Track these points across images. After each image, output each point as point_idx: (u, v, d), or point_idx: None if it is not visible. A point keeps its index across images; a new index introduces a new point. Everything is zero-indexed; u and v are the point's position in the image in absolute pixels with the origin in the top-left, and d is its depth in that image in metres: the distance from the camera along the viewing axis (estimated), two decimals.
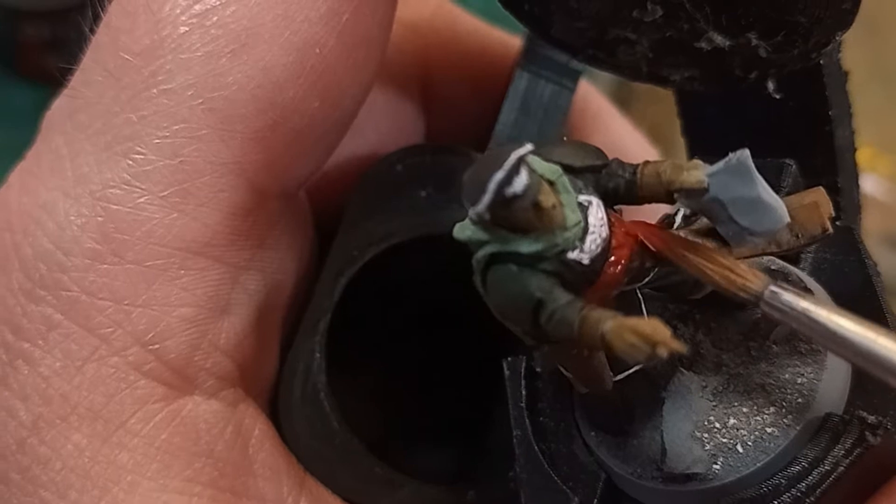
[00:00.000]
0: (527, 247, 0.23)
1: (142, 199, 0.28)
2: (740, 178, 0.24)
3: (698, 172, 0.24)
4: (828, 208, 0.25)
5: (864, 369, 0.23)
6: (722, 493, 0.25)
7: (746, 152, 0.24)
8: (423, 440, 0.36)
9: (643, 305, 0.26)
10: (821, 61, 0.29)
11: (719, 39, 0.27)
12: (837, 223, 0.27)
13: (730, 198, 0.24)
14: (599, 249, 0.24)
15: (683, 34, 0.27)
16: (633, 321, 0.22)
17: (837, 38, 0.27)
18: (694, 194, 0.24)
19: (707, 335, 0.27)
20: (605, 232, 0.24)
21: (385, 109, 0.37)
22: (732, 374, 0.26)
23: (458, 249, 0.30)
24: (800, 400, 0.26)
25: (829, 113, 0.29)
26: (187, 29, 0.27)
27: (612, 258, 0.24)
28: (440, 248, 0.32)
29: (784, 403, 0.26)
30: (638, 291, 0.26)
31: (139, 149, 0.28)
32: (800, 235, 0.25)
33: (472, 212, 0.23)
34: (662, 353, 0.21)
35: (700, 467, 0.26)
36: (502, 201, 0.22)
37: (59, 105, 0.29)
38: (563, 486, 0.27)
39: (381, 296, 0.35)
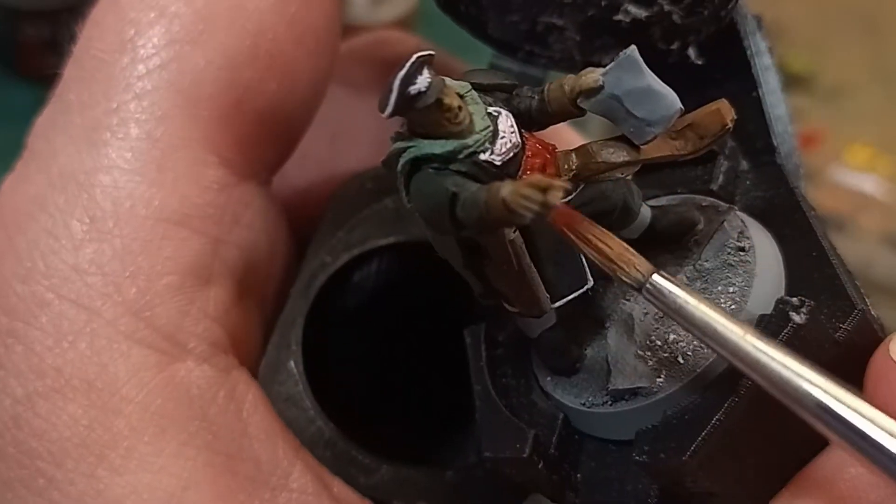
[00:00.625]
0: (440, 148, 0.25)
1: (122, 179, 0.29)
2: (630, 72, 0.26)
3: (594, 74, 0.26)
4: (729, 112, 0.26)
5: (732, 363, 0.24)
6: (667, 405, 0.26)
7: (633, 48, 0.26)
8: (401, 425, 0.37)
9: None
10: (734, 20, 0.30)
11: (635, 10, 0.29)
12: (767, 164, 0.30)
13: (623, 91, 0.26)
14: (511, 154, 0.26)
15: (603, 10, 0.29)
16: (521, 181, 0.24)
17: None
18: (593, 94, 0.26)
19: None
20: (515, 138, 0.26)
21: (367, 125, 0.39)
22: None
23: (425, 254, 0.32)
24: (732, 307, 0.27)
25: (753, 72, 0.31)
26: (150, 23, 0.30)
27: (528, 165, 0.26)
28: (408, 253, 0.34)
29: None
30: None
31: (117, 134, 0.29)
32: (703, 136, 0.27)
33: (384, 116, 0.25)
34: (553, 196, 0.23)
35: (644, 381, 0.27)
36: (407, 99, 0.24)
37: (43, 115, 0.31)
38: (519, 423, 0.28)
39: (355, 298, 0.36)
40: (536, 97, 0.27)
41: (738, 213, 0.28)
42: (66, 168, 0.29)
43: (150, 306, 0.29)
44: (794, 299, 0.26)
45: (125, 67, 0.30)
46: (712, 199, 0.29)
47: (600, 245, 0.25)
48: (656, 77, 0.25)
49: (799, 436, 0.25)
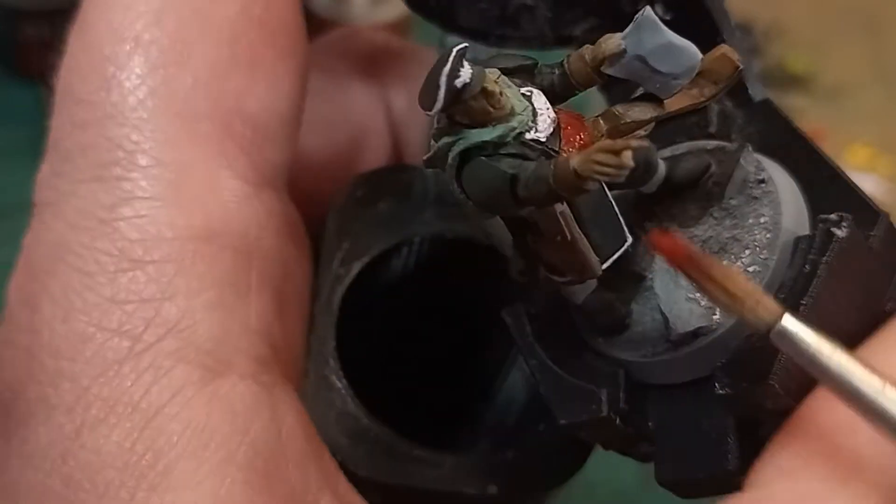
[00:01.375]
0: (488, 134, 0.26)
1: (142, 207, 0.29)
2: (650, 31, 0.27)
3: (614, 40, 0.27)
4: (734, 54, 0.28)
5: (867, 419, 0.25)
6: (730, 340, 0.27)
7: (648, 8, 0.27)
8: (442, 417, 0.38)
9: (610, 197, 0.28)
10: None
11: None
12: (751, 100, 0.31)
13: (646, 50, 0.27)
14: (552, 129, 0.27)
15: None
16: (591, 147, 0.25)
17: None
18: (616, 59, 0.27)
19: (672, 220, 0.30)
20: (551, 113, 0.27)
21: (352, 114, 0.40)
22: (705, 240, 0.29)
23: (427, 251, 0.34)
24: (768, 235, 0.28)
25: (716, 23, 0.32)
26: (128, 55, 0.30)
27: (569, 138, 0.27)
28: (410, 251, 0.36)
29: (756, 243, 0.28)
30: (604, 186, 0.28)
31: (126, 167, 0.30)
32: (717, 81, 0.28)
33: (432, 113, 0.25)
34: (628, 158, 0.24)
35: (703, 321, 0.28)
36: (455, 93, 0.25)
37: (42, 169, 0.31)
38: (588, 386, 0.29)
39: (374, 302, 0.37)
40: (557, 71, 0.27)
41: (751, 150, 0.29)
42: (84, 208, 0.30)
43: (190, 324, 0.29)
44: (832, 216, 0.27)
45: (116, 103, 0.30)
46: (716, 142, 0.30)
47: (725, 283, 0.26)
48: (673, 32, 0.26)
49: (853, 330, 0.27)
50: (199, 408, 0.28)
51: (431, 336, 0.40)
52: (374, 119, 0.40)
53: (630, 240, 0.28)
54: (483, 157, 0.26)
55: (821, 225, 0.27)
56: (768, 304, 0.25)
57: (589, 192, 0.26)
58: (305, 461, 0.30)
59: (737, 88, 0.31)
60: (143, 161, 0.30)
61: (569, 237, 0.27)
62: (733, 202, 0.29)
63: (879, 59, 1.08)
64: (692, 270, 0.26)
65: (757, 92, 0.31)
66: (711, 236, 0.29)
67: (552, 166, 0.25)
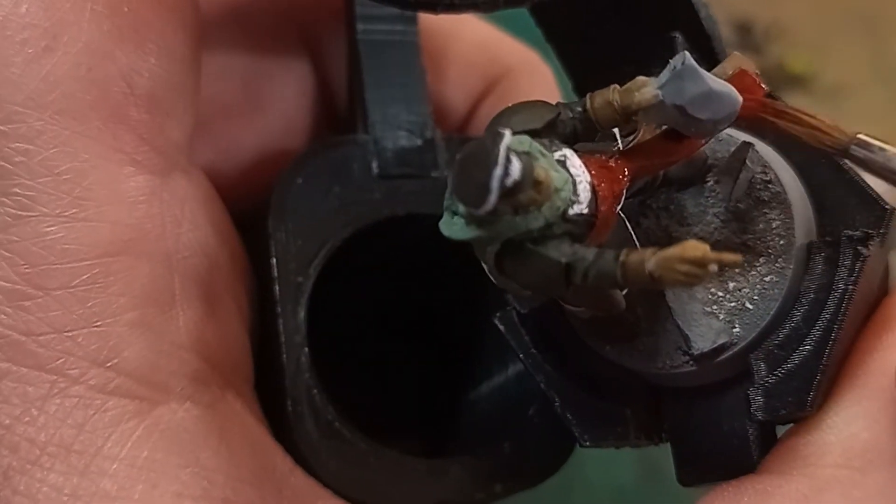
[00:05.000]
0: (535, 222, 0.24)
1: (42, 228, 0.27)
2: (689, 80, 0.25)
3: (649, 89, 0.25)
4: (752, 66, 0.27)
5: None
6: (750, 351, 0.27)
7: (687, 54, 0.25)
8: (409, 423, 0.38)
9: (627, 222, 0.28)
10: None
11: None
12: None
13: (686, 100, 0.25)
14: (591, 194, 0.25)
15: None
16: (672, 251, 0.23)
17: None
18: (652, 109, 0.25)
19: (670, 218, 0.29)
20: (587, 177, 0.25)
21: (279, 72, 0.36)
22: (712, 244, 0.27)
23: (387, 234, 0.32)
24: (781, 242, 0.28)
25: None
26: (12, 51, 0.27)
27: (600, 195, 0.25)
28: (369, 240, 0.34)
29: (770, 250, 0.28)
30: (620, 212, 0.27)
31: (16, 181, 0.27)
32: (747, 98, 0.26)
33: (479, 211, 0.23)
34: (714, 269, 0.22)
35: (723, 337, 0.27)
36: (507, 193, 0.23)
37: None
38: (611, 405, 0.29)
39: (341, 302, 0.36)
40: (579, 117, 0.26)
41: (755, 148, 0.29)
42: None
43: (116, 352, 0.27)
44: (857, 233, 0.27)
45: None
46: (728, 132, 0.30)
47: (803, 117, 0.26)
48: (712, 76, 0.25)
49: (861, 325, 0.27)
50: (141, 444, 0.26)
51: (405, 329, 0.38)
52: (303, 83, 0.37)
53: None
54: (528, 244, 0.24)
55: (844, 240, 0.27)
56: (842, 127, 0.26)
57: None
58: (258, 477, 0.28)
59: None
60: (34, 172, 0.27)
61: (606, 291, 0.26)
62: (741, 206, 0.28)
63: (879, 59, 1.08)
64: (773, 114, 0.26)
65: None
66: (719, 239, 0.28)
67: (620, 263, 0.24)
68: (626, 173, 0.26)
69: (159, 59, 0.28)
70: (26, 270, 0.26)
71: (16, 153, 0.27)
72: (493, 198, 0.23)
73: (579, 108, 0.26)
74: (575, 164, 0.25)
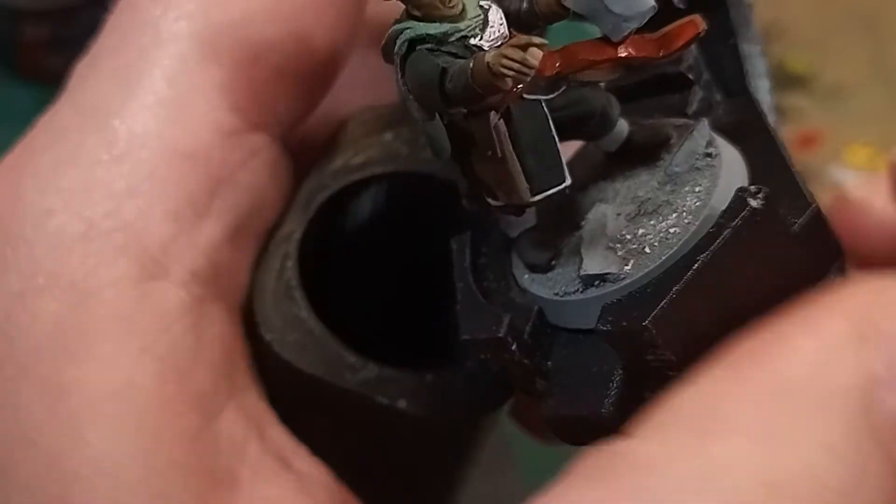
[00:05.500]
0: (434, 29, 0.28)
1: (140, 114, 0.32)
2: None
3: None
4: (701, 24, 0.29)
5: None
6: (634, 290, 0.29)
7: None
8: (391, 336, 0.39)
9: (554, 132, 0.30)
10: None
11: None
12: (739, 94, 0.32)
13: None
14: (499, 43, 0.28)
15: None
16: (506, 44, 0.27)
17: None
18: None
19: (624, 181, 0.31)
20: (503, 30, 0.28)
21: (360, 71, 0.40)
22: (643, 201, 0.30)
23: (421, 184, 0.36)
24: (697, 203, 0.29)
25: (731, 22, 0.32)
26: None
27: None
28: (405, 183, 0.37)
29: (684, 208, 0.29)
30: (549, 120, 0.29)
31: (141, 76, 0.32)
32: (677, 42, 0.29)
33: None
34: (533, 53, 0.26)
35: (613, 267, 0.29)
36: None
37: (84, 59, 0.34)
38: (495, 309, 0.31)
39: (352, 220, 0.39)
40: (526, 3, 0.29)
41: (707, 125, 0.31)
42: (93, 101, 0.33)
43: (143, 227, 0.31)
44: (752, 187, 0.28)
45: (157, 17, 0.33)
46: (684, 120, 0.32)
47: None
48: None
49: (758, 312, 0.27)
50: (129, 300, 0.31)
51: (402, 264, 0.41)
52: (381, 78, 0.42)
53: (569, 181, 0.30)
54: (425, 50, 0.28)
55: (739, 194, 0.28)
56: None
57: (528, 117, 0.28)
58: (218, 371, 0.32)
59: (732, 80, 0.32)
60: (157, 74, 0.32)
61: (499, 154, 0.29)
62: (677, 169, 0.30)
63: (879, 59, 1.08)
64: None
65: (762, 89, 0.32)
66: (650, 198, 0.30)
67: (472, 61, 0.27)
68: (556, 65, 0.28)
69: (298, 47, 0.33)
70: (112, 140, 0.32)
71: (152, 53, 0.32)
72: None
73: None
74: (495, 15, 0.28)
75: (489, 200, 0.30)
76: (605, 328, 0.28)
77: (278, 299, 0.35)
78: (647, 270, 0.29)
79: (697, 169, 0.30)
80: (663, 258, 0.29)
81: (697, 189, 0.30)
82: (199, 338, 0.32)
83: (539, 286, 0.31)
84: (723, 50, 0.32)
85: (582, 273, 0.30)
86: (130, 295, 0.31)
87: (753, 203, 0.28)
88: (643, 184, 0.31)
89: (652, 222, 0.30)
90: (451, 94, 0.27)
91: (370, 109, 0.38)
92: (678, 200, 0.30)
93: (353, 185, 0.36)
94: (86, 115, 0.32)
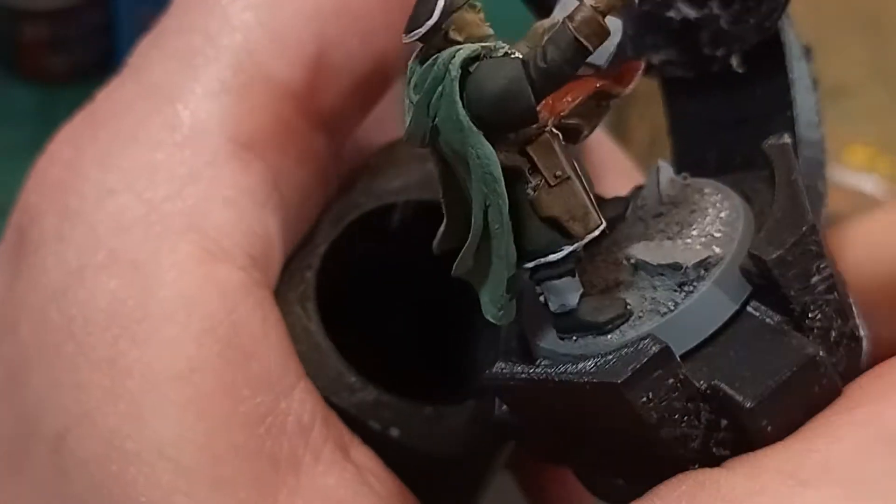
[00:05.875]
0: (486, 42, 0.27)
1: (205, 99, 0.32)
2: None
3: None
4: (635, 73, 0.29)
5: None
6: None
7: None
8: (398, 364, 0.39)
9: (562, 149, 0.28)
10: (780, 37, 0.32)
11: (686, 9, 0.31)
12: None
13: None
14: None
15: (657, 6, 0.31)
16: None
17: (785, 3, 0.31)
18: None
19: (630, 242, 0.30)
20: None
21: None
22: (661, 230, 0.30)
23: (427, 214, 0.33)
24: (717, 194, 0.30)
25: (791, 96, 0.33)
26: None
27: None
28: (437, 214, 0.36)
29: (714, 200, 0.30)
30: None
31: (208, 60, 0.33)
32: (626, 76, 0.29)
33: (426, 28, 0.26)
34: None
35: (706, 252, 0.28)
36: (449, 4, 0.26)
37: (145, 38, 0.34)
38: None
39: (377, 242, 0.38)
40: None
41: (667, 163, 0.31)
42: (158, 81, 0.33)
43: (204, 212, 0.31)
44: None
45: (226, 5, 0.33)
46: (693, 179, 0.32)
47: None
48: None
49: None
50: (192, 281, 0.30)
51: (419, 293, 0.40)
52: None
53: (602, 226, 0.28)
54: (485, 56, 0.26)
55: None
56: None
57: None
58: (286, 351, 0.32)
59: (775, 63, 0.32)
60: (224, 59, 0.32)
61: (566, 173, 0.27)
62: (671, 194, 0.30)
63: (879, 59, 1.08)
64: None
65: (802, 73, 0.33)
66: (663, 230, 0.30)
67: (570, 19, 0.26)
68: (570, 98, 0.28)
69: (361, 47, 0.34)
70: (175, 123, 0.32)
71: (220, 39, 0.33)
72: (439, 7, 0.26)
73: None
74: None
75: (545, 259, 0.28)
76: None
77: (291, 308, 0.35)
78: (737, 242, 0.28)
79: (686, 185, 0.31)
80: (740, 231, 0.28)
81: (708, 190, 0.30)
82: (264, 318, 0.31)
83: (619, 335, 0.28)
84: (779, 121, 0.32)
85: (686, 265, 0.28)
86: (193, 276, 0.31)
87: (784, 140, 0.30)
88: (637, 233, 0.30)
89: (694, 231, 0.29)
90: (545, 74, 0.26)
91: None
92: (701, 203, 0.30)
93: (385, 208, 0.36)
94: (148, 94, 0.32)
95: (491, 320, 0.28)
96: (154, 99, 0.32)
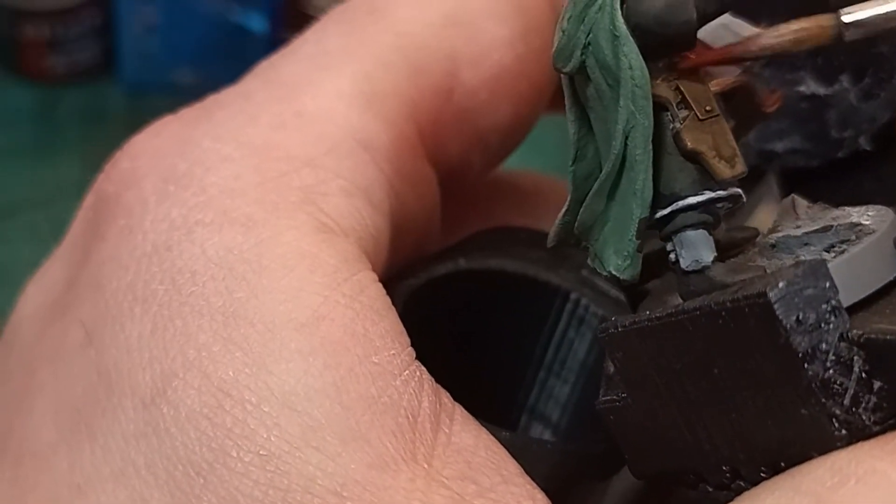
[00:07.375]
0: None
1: (332, 97, 0.31)
2: None
3: None
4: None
5: None
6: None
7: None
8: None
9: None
10: None
11: (815, 86, 0.30)
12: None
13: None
14: None
15: (785, 84, 0.30)
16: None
17: None
18: None
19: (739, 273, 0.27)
20: None
21: None
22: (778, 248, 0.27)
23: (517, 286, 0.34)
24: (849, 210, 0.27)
25: None
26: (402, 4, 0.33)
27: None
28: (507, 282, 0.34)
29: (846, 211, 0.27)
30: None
31: (342, 68, 0.32)
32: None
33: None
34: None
35: (856, 217, 0.26)
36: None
37: (286, 48, 0.34)
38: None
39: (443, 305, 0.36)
40: None
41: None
42: (289, 75, 0.32)
43: (321, 191, 0.30)
44: None
45: (367, 24, 0.33)
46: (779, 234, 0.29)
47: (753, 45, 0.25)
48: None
49: None
50: (310, 243, 0.29)
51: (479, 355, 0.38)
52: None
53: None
54: None
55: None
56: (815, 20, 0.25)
57: None
58: (395, 337, 0.29)
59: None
60: (355, 66, 0.32)
61: (718, 112, 0.25)
62: (731, 233, 0.27)
63: None
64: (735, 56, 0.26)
65: None
66: (773, 254, 0.27)
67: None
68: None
69: (490, 98, 0.33)
70: (298, 109, 0.31)
71: (359, 54, 0.32)
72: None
73: None
74: None
75: (684, 202, 0.25)
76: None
77: None
78: (888, 222, 0.25)
79: (826, 209, 0.27)
80: (893, 217, 0.26)
81: (846, 207, 0.27)
82: (375, 296, 0.29)
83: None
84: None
85: (844, 223, 0.26)
86: (313, 238, 0.29)
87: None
88: (744, 268, 0.26)
89: (839, 221, 0.27)
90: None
91: (530, 232, 0.35)
92: (835, 217, 0.26)
93: (473, 273, 0.35)
94: (274, 86, 0.32)
95: (613, 273, 0.26)
96: (279, 90, 0.32)
